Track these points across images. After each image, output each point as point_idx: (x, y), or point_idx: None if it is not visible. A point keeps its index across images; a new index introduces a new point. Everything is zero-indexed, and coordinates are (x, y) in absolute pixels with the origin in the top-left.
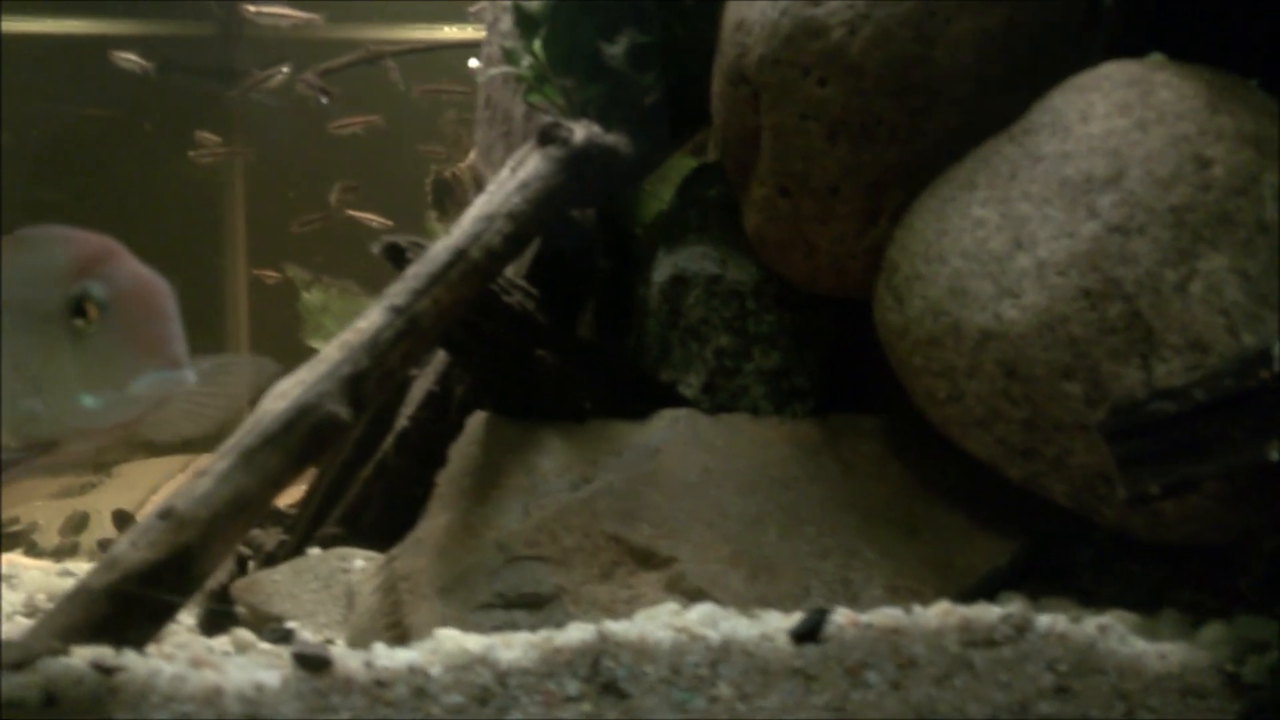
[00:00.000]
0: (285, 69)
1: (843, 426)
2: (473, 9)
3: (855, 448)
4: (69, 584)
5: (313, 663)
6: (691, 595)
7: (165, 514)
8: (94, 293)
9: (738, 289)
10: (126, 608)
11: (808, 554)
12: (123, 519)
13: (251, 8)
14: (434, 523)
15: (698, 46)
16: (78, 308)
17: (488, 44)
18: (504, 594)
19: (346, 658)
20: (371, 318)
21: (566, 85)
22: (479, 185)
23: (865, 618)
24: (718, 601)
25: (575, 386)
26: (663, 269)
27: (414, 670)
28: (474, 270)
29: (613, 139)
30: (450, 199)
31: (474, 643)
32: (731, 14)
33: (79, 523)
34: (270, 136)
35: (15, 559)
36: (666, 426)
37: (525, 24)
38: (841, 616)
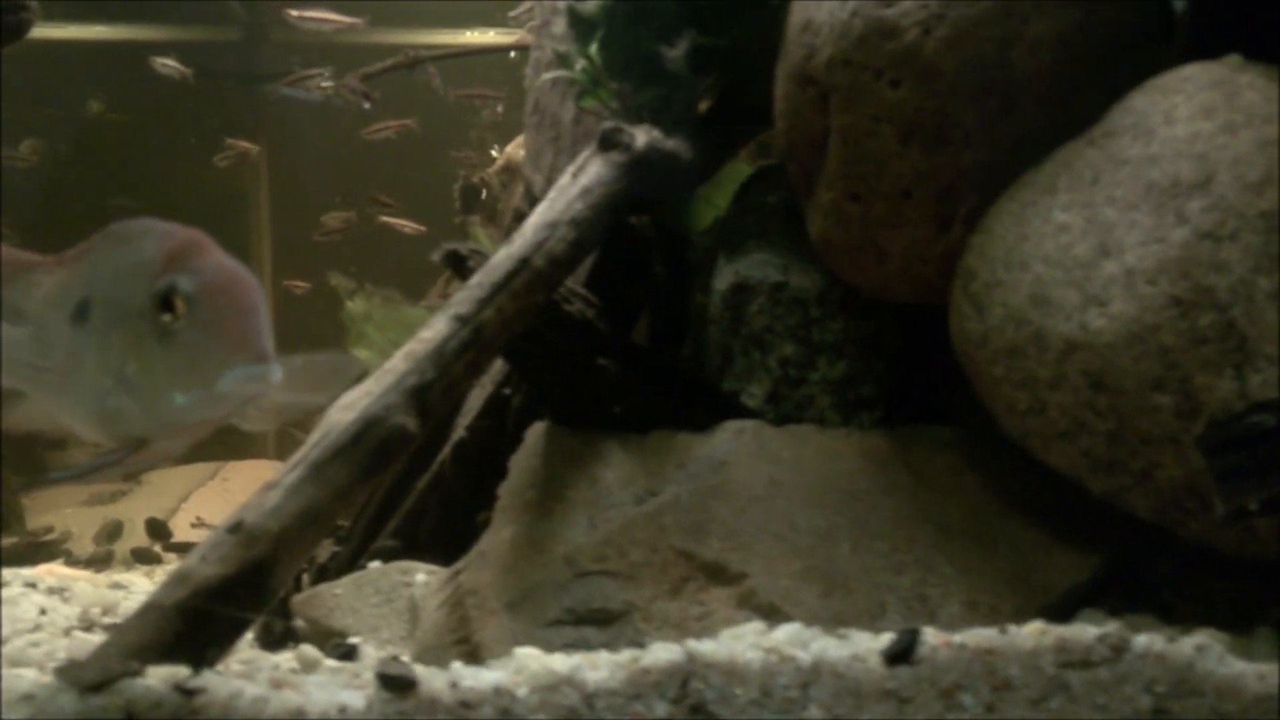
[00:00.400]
0: (322, 73)
1: (913, 438)
2: (513, 13)
3: (927, 459)
4: (120, 596)
5: (397, 684)
6: (764, 612)
7: (235, 528)
8: (180, 287)
9: (802, 296)
10: (198, 625)
11: (882, 569)
12: (156, 528)
13: (294, 12)
14: (498, 536)
15: (757, 49)
16: (165, 303)
17: (536, 48)
18: (573, 610)
19: (431, 678)
20: (436, 327)
21: (622, 89)
22: (529, 191)
23: (958, 638)
24: (791, 618)
25: (637, 396)
26: (724, 276)
27: (500, 691)
28: (538, 278)
29: (672, 144)
30: (478, 203)
31: (560, 663)
32: (798, 15)
33: (113, 531)
34: (297, 142)
35: (56, 569)
36: (731, 438)
37: (580, 27)
38: (934, 637)
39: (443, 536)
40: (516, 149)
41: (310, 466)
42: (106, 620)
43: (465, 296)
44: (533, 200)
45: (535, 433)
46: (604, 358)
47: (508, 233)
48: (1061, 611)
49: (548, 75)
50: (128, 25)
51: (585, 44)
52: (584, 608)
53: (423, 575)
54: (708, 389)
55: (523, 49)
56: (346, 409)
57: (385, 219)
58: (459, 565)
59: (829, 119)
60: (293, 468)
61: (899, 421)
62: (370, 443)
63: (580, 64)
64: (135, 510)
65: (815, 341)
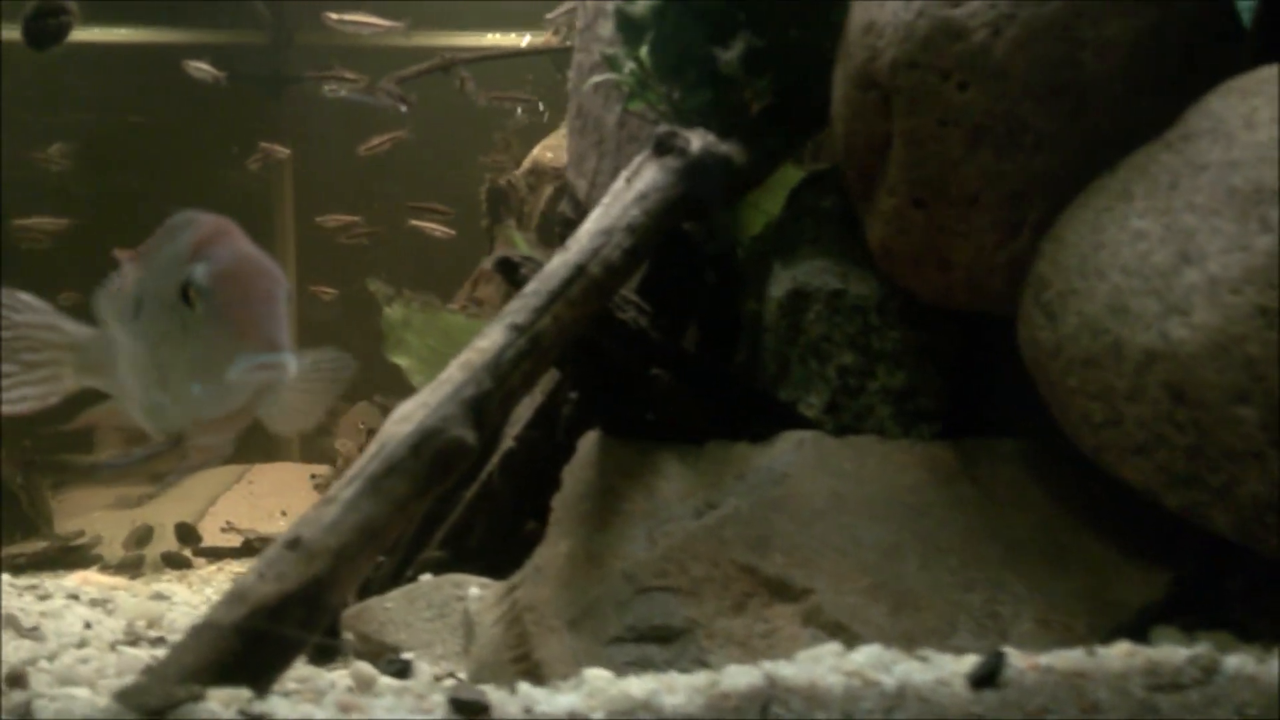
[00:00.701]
0: (351, 77)
1: (978, 450)
2: (550, 15)
3: (992, 473)
4: (164, 608)
5: (470, 708)
6: (831, 630)
7: (292, 543)
8: (196, 276)
9: (861, 304)
10: (257, 645)
11: (951, 586)
12: (185, 532)
13: (334, 16)
14: (554, 550)
15: (811, 50)
16: (185, 293)
17: (579, 51)
18: (634, 627)
19: (504, 703)
20: (492, 336)
21: (671, 92)
22: (572, 196)
23: (1045, 660)
24: (860, 636)
25: (692, 406)
26: (780, 283)
27: (574, 716)
28: (594, 286)
29: (727, 148)
30: (505, 207)
31: (635, 687)
32: (859, 16)
33: (143, 536)
34: (322, 145)
35: (91, 577)
36: (791, 449)
37: (628, 29)
38: (1020, 659)
39: (490, 547)
40: (543, 151)
41: (367, 480)
42: (152, 633)
43: (521, 305)
44: (576, 205)
45: (587, 443)
46: (657, 366)
47: (562, 238)
48: (1135, 631)
49: (596, 79)
50: (151, 28)
51: (634, 46)
52: (645, 625)
53: (475, 589)
54: (763, 398)
55: (559, 51)
56: (403, 421)
57: (416, 223)
58: (514, 580)
59: (892, 123)
60: (349, 482)
61: (959, 433)
62: (428, 456)
63: (628, 66)
64: (162, 514)
65: (874, 350)
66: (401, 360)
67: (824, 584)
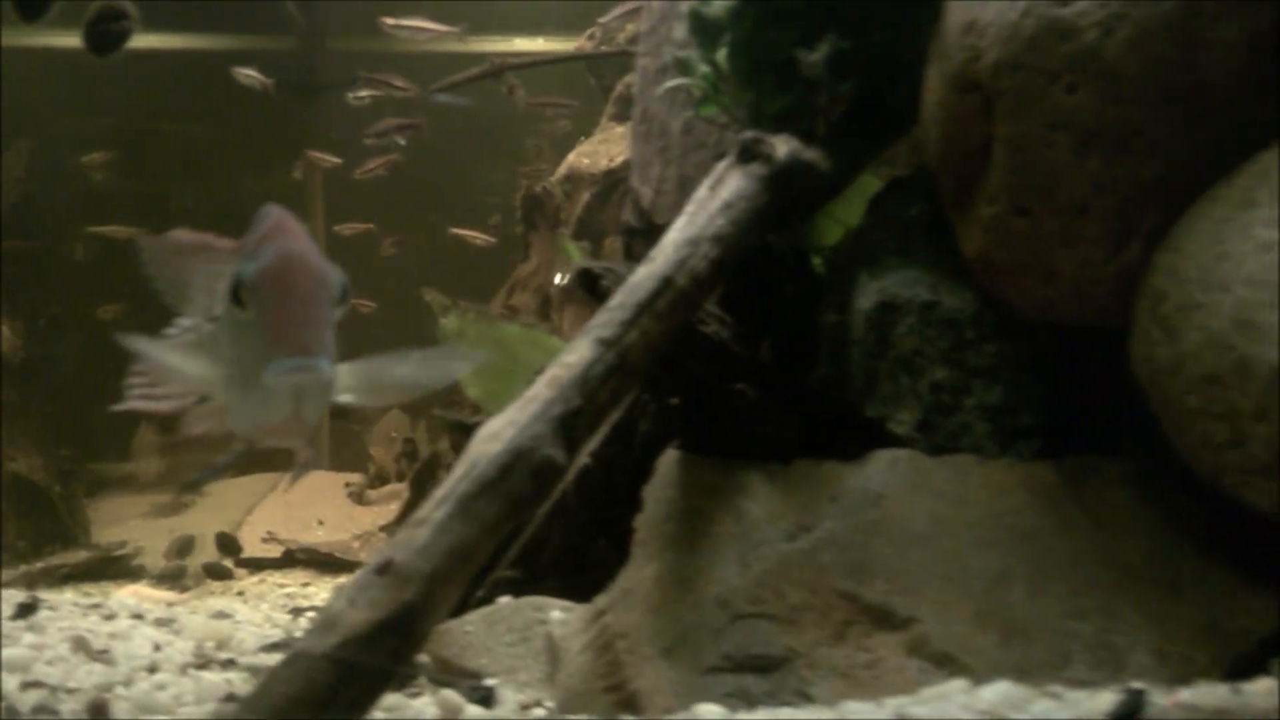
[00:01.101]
0: (401, 85)
1: (1083, 471)
2: (603, 19)
3: (1100, 495)
4: (230, 628)
5: None
6: (937, 660)
7: (383, 568)
8: (245, 275)
9: (955, 317)
10: (350, 674)
11: (1062, 615)
12: (226, 542)
13: (390, 21)
14: (641, 573)
15: (894, 52)
16: (236, 291)
17: (643, 55)
18: (731, 656)
19: None
20: (580, 351)
21: (749, 96)
22: (636, 204)
23: (1187, 697)
24: (969, 667)
25: (778, 423)
26: (868, 295)
27: None
28: (681, 299)
29: (812, 154)
30: (540, 213)
31: None
32: (958, 16)
33: (184, 546)
34: (353, 151)
35: (143, 591)
36: (886, 469)
37: (703, 31)
38: (1161, 697)
39: (563, 566)
40: (579, 157)
41: (458, 501)
42: (221, 655)
43: (607, 319)
44: (640, 213)
45: (668, 461)
46: (741, 382)
47: (627, 247)
48: (1256, 662)
49: (670, 83)
50: (183, 34)
51: (709, 49)
52: (742, 654)
53: (558, 612)
54: (850, 415)
55: (610, 56)
56: (492, 439)
57: (455, 231)
58: (600, 604)
59: (993, 127)
60: (439, 503)
61: (1060, 452)
62: (519, 476)
63: (702, 70)
64: (199, 523)
65: (969, 365)
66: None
67: (928, 612)
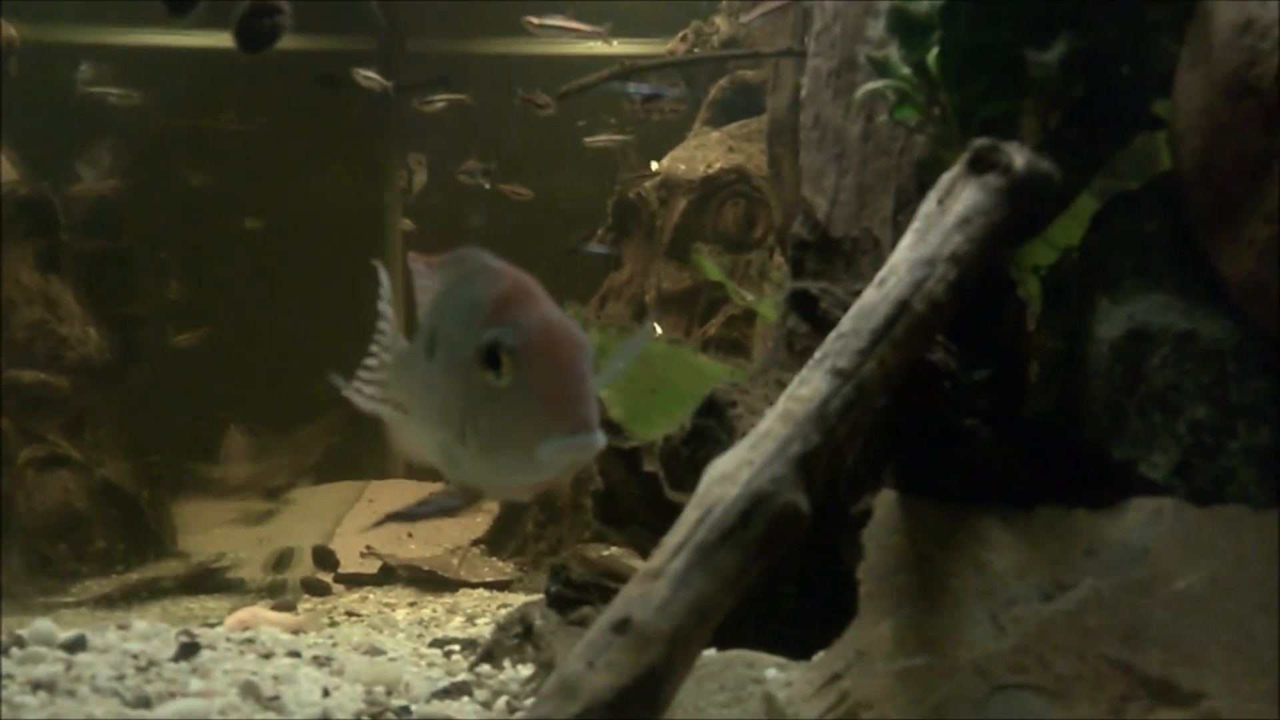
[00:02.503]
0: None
1: None
2: (746, 17)
3: None
4: (395, 669)
5: None
6: None
7: (621, 626)
8: (505, 342)
9: (1215, 348)
10: None
11: None
12: (323, 556)
13: (535, 20)
14: (875, 632)
15: (1129, 52)
16: (490, 356)
17: (814, 55)
18: None
19: None
20: (814, 383)
21: (957, 100)
22: (808, 216)
23: None
24: None
25: (1015, 464)
26: (1113, 322)
27: None
28: (919, 325)
29: (1047, 164)
30: (635, 221)
31: None
32: (1229, 15)
33: (283, 559)
34: (433, 153)
35: (261, 613)
36: (1148, 520)
37: (907, 30)
38: None
39: (757, 613)
40: (675, 163)
41: (697, 552)
42: (395, 702)
43: (841, 347)
44: (813, 226)
45: (887, 504)
46: (969, 416)
47: (795, 262)
48: None
49: (869, 86)
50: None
51: (913, 48)
52: None
53: (774, 670)
54: (1094, 455)
55: (746, 57)
56: (726, 481)
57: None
58: (834, 666)
59: (1275, 138)
60: (675, 552)
61: None
62: (760, 524)
63: (903, 71)
64: (285, 531)
65: (1232, 402)
66: (600, 391)
67: (1216, 687)
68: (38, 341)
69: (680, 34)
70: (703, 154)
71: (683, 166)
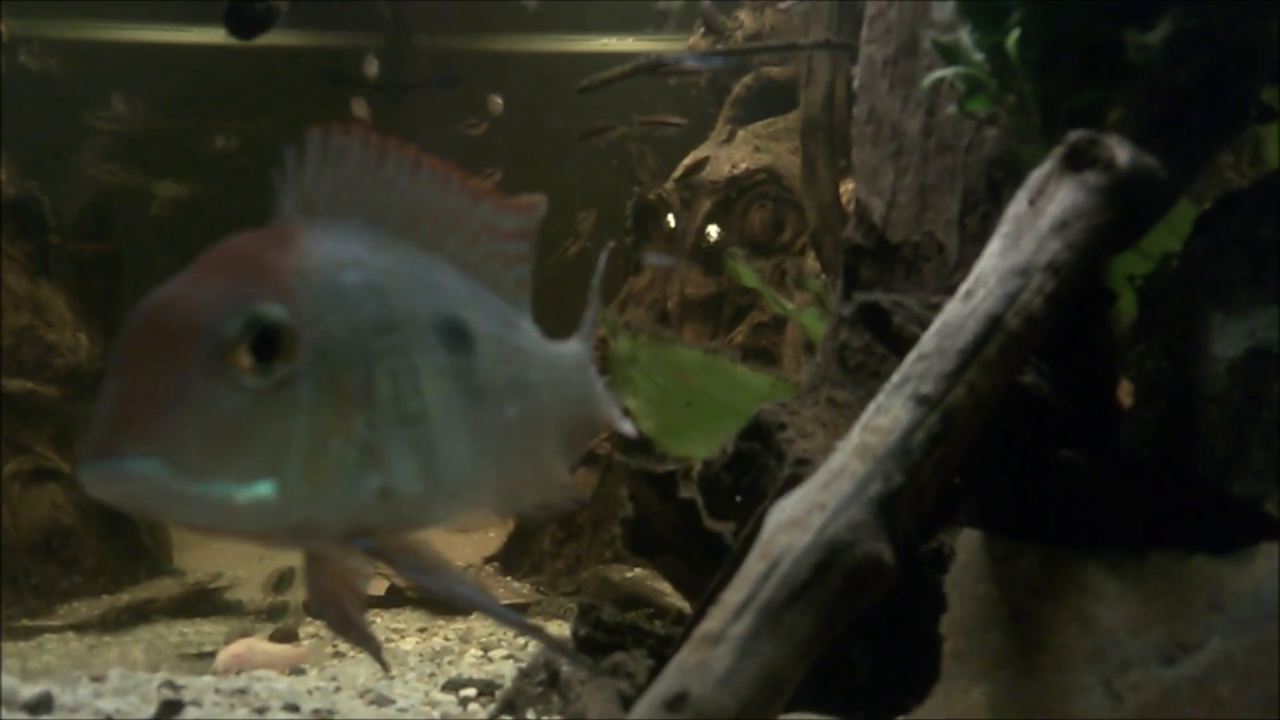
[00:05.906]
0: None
1: None
2: (783, 5)
3: None
4: None
5: None
6: None
7: (676, 703)
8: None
9: None
10: None
11: None
12: None
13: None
14: (966, 698)
15: (1242, 34)
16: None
17: (868, 43)
18: None
19: None
20: (894, 413)
21: (1042, 89)
22: (864, 218)
23: None
24: None
25: (1122, 502)
26: (1230, 339)
27: None
28: (1013, 344)
29: (1151, 160)
30: (654, 223)
31: None
32: None
33: (283, 580)
34: (436, 152)
35: (258, 645)
36: None
37: (982, 13)
38: None
39: (822, 668)
40: (699, 162)
41: (764, 612)
42: None
43: (924, 369)
44: (869, 229)
45: (971, 546)
46: (1066, 446)
47: (849, 268)
48: None
49: (936, 74)
50: (280, 31)
51: (989, 32)
52: None
53: None
54: (1207, 491)
55: (760, 51)
56: (795, 528)
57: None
58: None
59: None
60: (737, 613)
61: None
62: (836, 579)
63: (976, 57)
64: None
65: None
66: (630, 402)
67: None
68: (25, 348)
69: (699, 29)
70: (727, 154)
71: (707, 167)
